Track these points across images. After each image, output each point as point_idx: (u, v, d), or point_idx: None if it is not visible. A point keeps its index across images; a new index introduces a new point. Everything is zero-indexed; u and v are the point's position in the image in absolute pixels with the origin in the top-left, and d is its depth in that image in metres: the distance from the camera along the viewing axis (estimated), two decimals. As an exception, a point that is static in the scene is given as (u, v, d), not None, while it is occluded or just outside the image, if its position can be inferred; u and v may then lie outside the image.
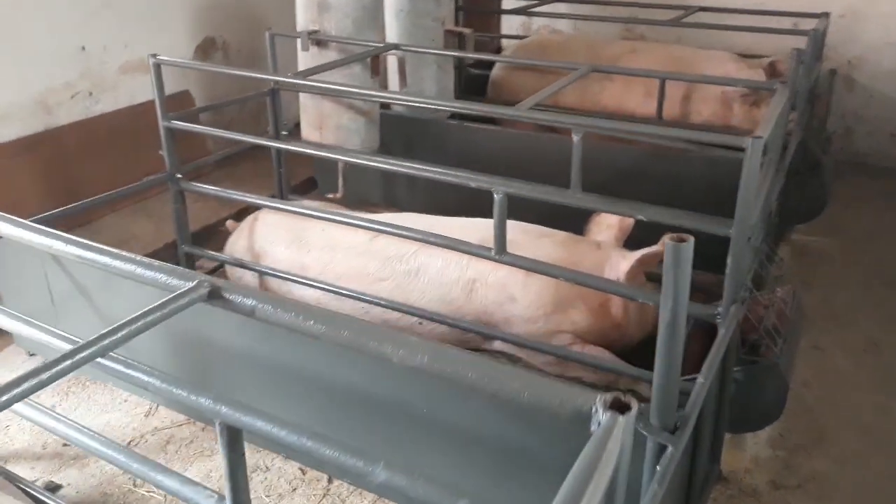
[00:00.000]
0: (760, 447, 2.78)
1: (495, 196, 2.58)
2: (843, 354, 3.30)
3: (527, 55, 4.98)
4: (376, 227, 2.93)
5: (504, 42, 6.01)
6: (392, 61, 4.08)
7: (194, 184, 3.39)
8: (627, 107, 4.62)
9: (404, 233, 2.86)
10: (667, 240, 1.62)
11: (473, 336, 3.13)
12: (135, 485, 2.61)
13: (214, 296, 1.75)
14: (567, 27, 6.23)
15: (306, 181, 4.92)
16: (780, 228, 4.30)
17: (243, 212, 4.22)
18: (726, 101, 4.36)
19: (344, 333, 1.63)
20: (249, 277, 3.47)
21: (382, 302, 3.03)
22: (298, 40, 3.75)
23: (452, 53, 4.43)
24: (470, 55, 4.30)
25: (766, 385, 2.46)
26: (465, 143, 4.33)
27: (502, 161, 4.16)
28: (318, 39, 3.73)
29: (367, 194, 4.77)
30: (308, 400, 2.55)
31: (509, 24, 6.41)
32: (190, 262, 3.55)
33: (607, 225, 3.25)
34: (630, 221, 3.23)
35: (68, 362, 1.42)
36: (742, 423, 2.59)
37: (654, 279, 2.84)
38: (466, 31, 4.48)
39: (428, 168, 2.73)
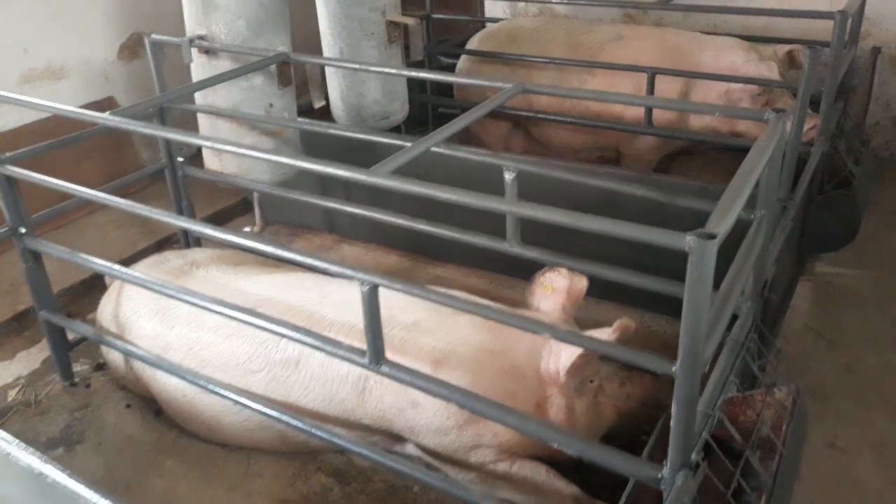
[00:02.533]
0: None
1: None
2: (873, 456, 2.49)
3: (495, 45, 4.16)
4: (230, 311, 2.20)
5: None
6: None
7: (41, 241, 2.71)
8: (613, 107, 3.78)
9: (252, 320, 2.14)
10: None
11: (380, 438, 2.44)
12: None
13: None
14: (558, 7, 5.33)
15: (238, 204, 4.22)
16: (800, 259, 3.45)
17: (139, 255, 3.56)
18: (732, 102, 3.49)
19: None
20: (115, 354, 2.81)
21: (252, 403, 2.33)
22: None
23: (354, 66, 3.45)
24: (384, 70, 3.34)
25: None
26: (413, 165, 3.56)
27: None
28: (201, 47, 2.99)
29: (305, 218, 4.07)
30: None
31: (493, 6, 5.55)
32: (54, 332, 2.89)
33: (553, 288, 2.48)
34: (582, 284, 2.46)
35: None
36: None
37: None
38: (410, 20, 3.68)
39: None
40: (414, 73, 2.87)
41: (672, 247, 1.35)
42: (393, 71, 3.03)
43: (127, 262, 2.89)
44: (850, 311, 3.22)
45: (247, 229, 3.73)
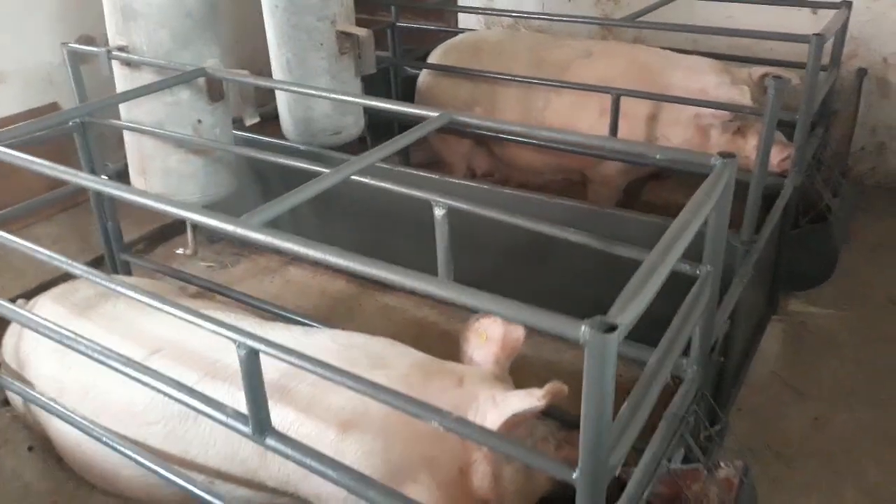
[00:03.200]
0: None
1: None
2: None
3: (457, 58, 3.92)
4: (111, 359, 1.95)
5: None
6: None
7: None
8: (578, 128, 3.54)
9: (132, 373, 1.89)
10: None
11: (289, 501, 2.19)
12: None
13: None
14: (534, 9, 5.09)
15: (178, 222, 3.96)
16: (772, 296, 3.21)
17: (52, 283, 3.31)
18: (702, 127, 3.25)
19: None
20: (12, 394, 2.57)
21: (146, 461, 2.08)
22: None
23: (272, 85, 3.09)
24: (301, 90, 3.05)
25: None
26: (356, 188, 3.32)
27: (407, 214, 3.16)
28: (118, 59, 2.75)
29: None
30: None
31: (466, 17, 5.30)
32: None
33: (487, 337, 2.24)
34: (519, 334, 2.22)
35: None
36: None
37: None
38: (362, 31, 3.44)
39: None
40: (333, 96, 2.61)
41: (566, 337, 1.11)
42: (312, 92, 2.77)
43: (52, 285, 2.67)
44: (823, 357, 2.97)
45: (179, 251, 3.48)
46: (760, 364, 2.96)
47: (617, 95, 3.21)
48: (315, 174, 2.07)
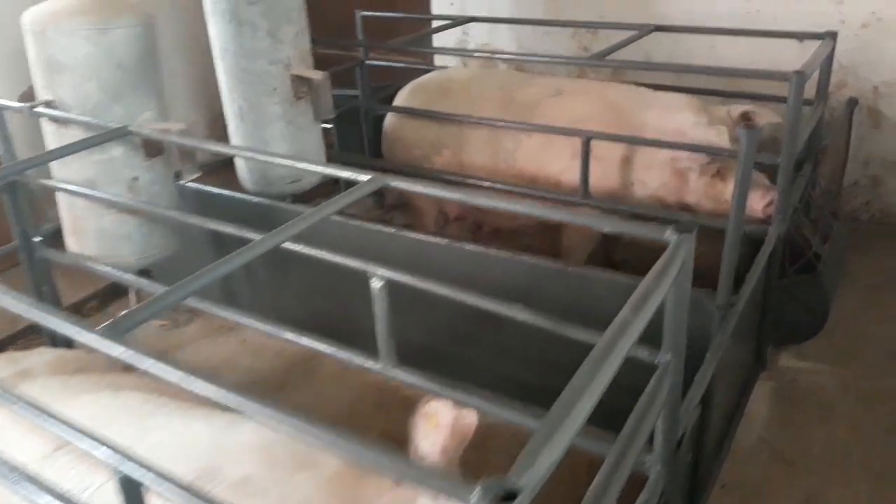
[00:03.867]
0: None
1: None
2: None
3: (424, 98, 3.71)
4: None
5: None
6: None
7: None
8: (550, 171, 3.33)
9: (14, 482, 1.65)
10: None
11: None
12: None
13: None
14: (509, 45, 4.90)
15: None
16: (759, 352, 2.97)
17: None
18: (679, 171, 3.03)
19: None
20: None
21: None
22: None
23: (200, 146, 2.89)
24: (222, 150, 2.78)
25: None
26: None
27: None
28: (42, 115, 2.55)
29: (204, 295, 3.58)
30: None
31: (443, 44, 5.12)
32: None
33: (436, 424, 2.00)
34: (470, 420, 1.98)
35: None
36: None
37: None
38: (317, 75, 3.24)
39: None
40: (269, 158, 2.39)
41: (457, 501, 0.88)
42: (248, 154, 2.56)
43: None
44: (815, 421, 2.73)
45: (123, 313, 3.25)
46: (747, 429, 2.71)
47: (587, 138, 3.01)
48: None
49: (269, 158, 2.50)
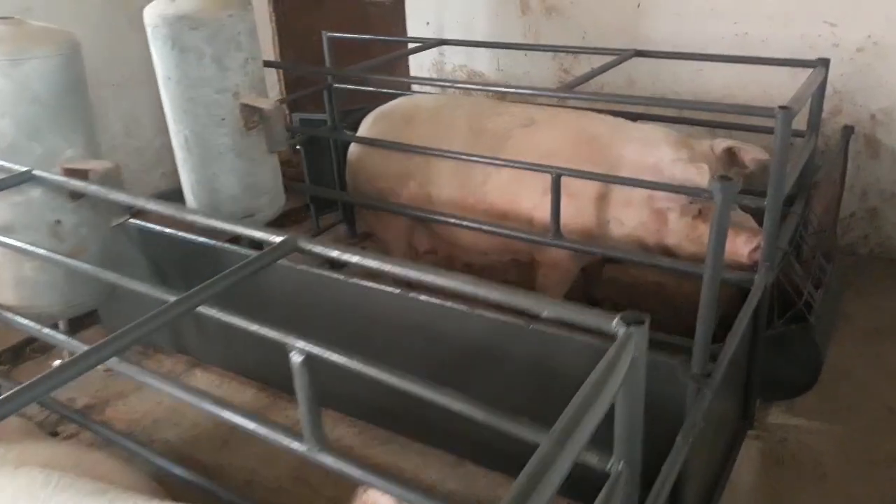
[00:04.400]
0: None
1: None
2: None
3: (388, 126, 3.47)
4: None
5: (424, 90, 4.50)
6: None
7: None
8: (521, 207, 3.09)
9: None
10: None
11: None
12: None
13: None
14: (488, 65, 4.67)
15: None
16: (746, 409, 2.72)
17: None
18: (657, 211, 2.79)
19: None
20: None
21: None
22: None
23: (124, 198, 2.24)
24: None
25: None
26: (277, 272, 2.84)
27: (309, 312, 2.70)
28: (-53, 156, 2.31)
29: (154, 337, 3.35)
30: None
31: (419, 65, 4.89)
32: None
33: (371, 516, 1.75)
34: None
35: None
36: None
37: None
38: (267, 104, 3.00)
39: None
40: (180, 213, 2.10)
41: None
42: (163, 208, 2.24)
43: None
44: (806, 487, 2.47)
45: (57, 363, 3.00)
46: (732, 496, 2.46)
47: (557, 174, 2.77)
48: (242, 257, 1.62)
49: (180, 214, 2.10)
